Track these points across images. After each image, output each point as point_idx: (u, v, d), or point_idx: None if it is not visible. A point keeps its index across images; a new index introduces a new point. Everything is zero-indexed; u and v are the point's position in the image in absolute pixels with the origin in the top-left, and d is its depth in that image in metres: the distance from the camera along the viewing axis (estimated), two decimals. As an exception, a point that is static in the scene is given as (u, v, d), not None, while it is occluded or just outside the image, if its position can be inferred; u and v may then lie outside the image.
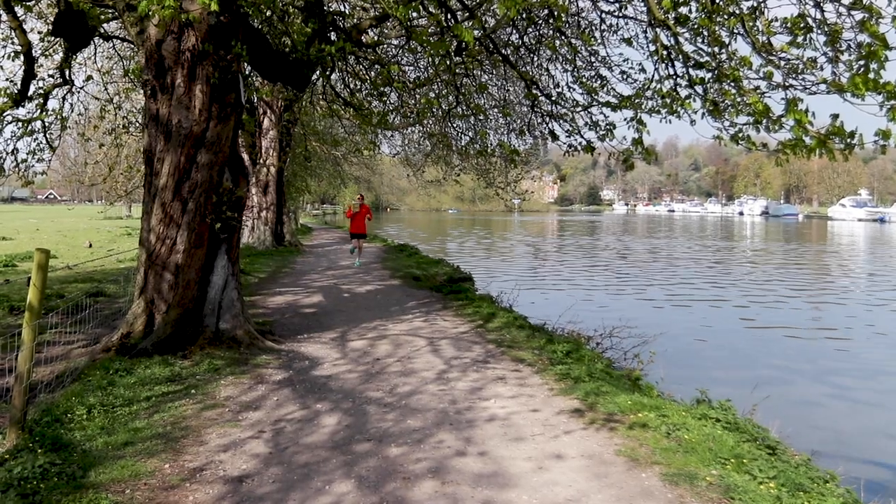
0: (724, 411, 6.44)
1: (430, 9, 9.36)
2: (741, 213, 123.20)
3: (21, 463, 4.81)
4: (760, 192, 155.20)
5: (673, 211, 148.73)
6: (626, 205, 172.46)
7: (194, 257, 8.84)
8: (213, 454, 5.46)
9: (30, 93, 11.86)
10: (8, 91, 11.25)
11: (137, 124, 16.57)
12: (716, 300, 20.79)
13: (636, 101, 9.82)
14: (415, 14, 10.44)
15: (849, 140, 6.68)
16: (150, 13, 7.22)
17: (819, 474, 5.26)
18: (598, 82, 11.10)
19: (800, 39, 6.94)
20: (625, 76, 11.09)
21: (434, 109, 14.87)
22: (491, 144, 15.88)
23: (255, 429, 6.11)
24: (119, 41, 15.28)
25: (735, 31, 7.50)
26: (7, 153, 13.76)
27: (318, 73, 11.72)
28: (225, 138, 8.94)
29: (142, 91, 10.13)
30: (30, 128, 13.20)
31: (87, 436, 5.65)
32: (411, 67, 16.20)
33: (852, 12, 6.65)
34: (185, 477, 4.99)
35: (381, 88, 12.00)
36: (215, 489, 4.81)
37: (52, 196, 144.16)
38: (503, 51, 11.23)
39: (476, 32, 9.68)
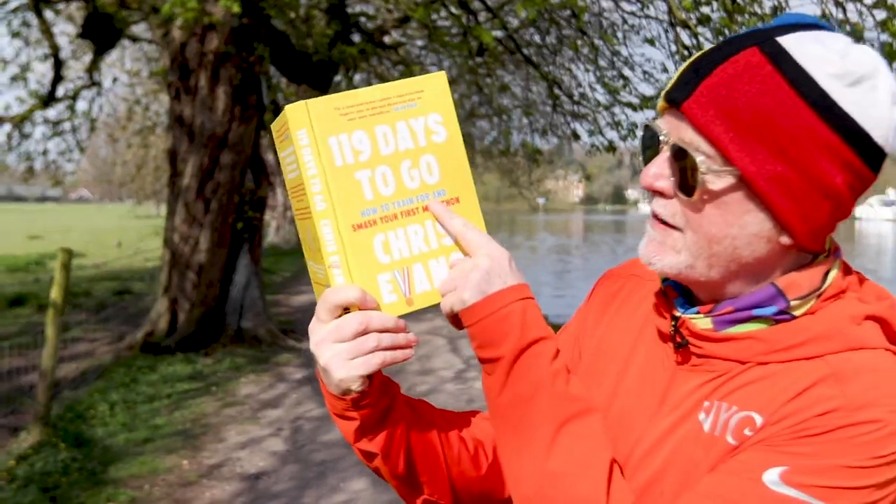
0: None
1: (452, 9, 9.40)
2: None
3: (43, 458, 4.93)
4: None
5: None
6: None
7: (217, 256, 8.96)
8: (232, 451, 5.55)
9: (59, 95, 12.09)
10: (38, 93, 11.48)
11: (164, 125, 16.82)
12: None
13: (658, 101, 9.79)
14: (436, 15, 10.49)
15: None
16: (175, 16, 7.34)
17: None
18: (621, 82, 11.09)
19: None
20: (647, 76, 11.06)
21: (457, 110, 14.93)
22: (514, 144, 15.91)
23: (273, 426, 6.19)
24: (147, 43, 15.50)
25: (756, 30, 7.45)
26: (38, 153, 14.06)
27: (341, 73, 11.82)
28: (247, 139, 9.05)
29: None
30: (59, 129, 13.46)
31: (108, 432, 5.76)
32: (435, 67, 16.26)
33: (874, 11, 6.59)
34: (202, 473, 5.07)
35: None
36: (232, 486, 4.89)
37: (84, 196, 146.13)
38: (525, 51, 11.23)
39: (498, 33, 9.71)
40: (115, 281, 15.33)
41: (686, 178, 0.88)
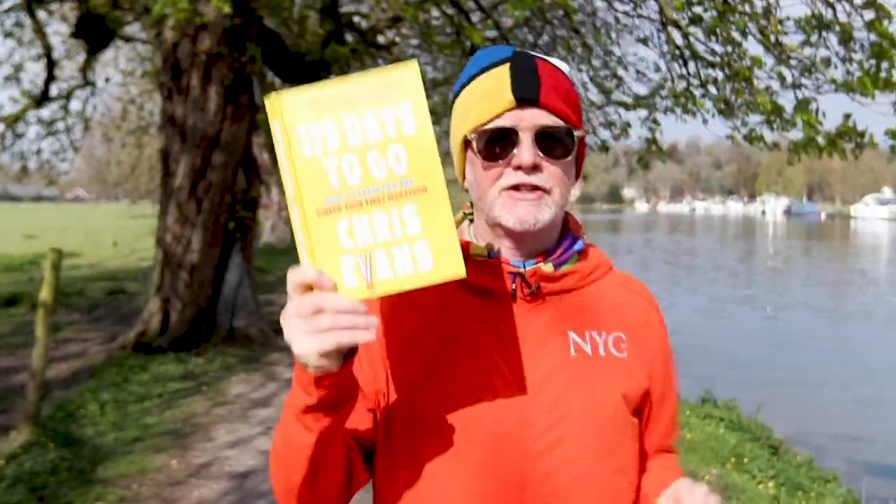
0: (728, 410, 6.45)
1: (444, 9, 9.40)
2: (763, 212, 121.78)
3: (32, 458, 4.94)
4: (783, 191, 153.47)
5: (694, 210, 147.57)
6: (648, 203, 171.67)
7: (209, 256, 8.98)
8: (221, 450, 5.57)
9: (52, 94, 12.09)
10: (31, 93, 11.48)
11: (158, 124, 16.81)
12: (734, 299, 20.67)
13: (650, 100, 9.82)
14: (429, 15, 10.49)
15: (858, 139, 6.66)
16: (166, 16, 7.34)
17: (820, 474, 5.26)
18: (614, 82, 11.12)
19: (813, 39, 6.91)
20: (640, 75, 11.09)
21: (451, 110, 14.90)
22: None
23: (263, 426, 6.20)
24: (140, 43, 15.49)
25: (747, 30, 7.47)
26: (32, 153, 14.05)
27: (334, 73, 11.82)
28: (239, 139, 9.06)
29: (160, 92, 10.28)
30: (53, 128, 13.46)
31: (98, 431, 5.77)
32: (429, 67, 16.25)
33: (863, 12, 6.60)
34: (191, 473, 5.09)
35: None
36: (220, 485, 4.91)
37: (79, 196, 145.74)
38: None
39: (492, 33, 9.72)
40: (109, 281, 15.32)
41: (557, 147, 1.19)
